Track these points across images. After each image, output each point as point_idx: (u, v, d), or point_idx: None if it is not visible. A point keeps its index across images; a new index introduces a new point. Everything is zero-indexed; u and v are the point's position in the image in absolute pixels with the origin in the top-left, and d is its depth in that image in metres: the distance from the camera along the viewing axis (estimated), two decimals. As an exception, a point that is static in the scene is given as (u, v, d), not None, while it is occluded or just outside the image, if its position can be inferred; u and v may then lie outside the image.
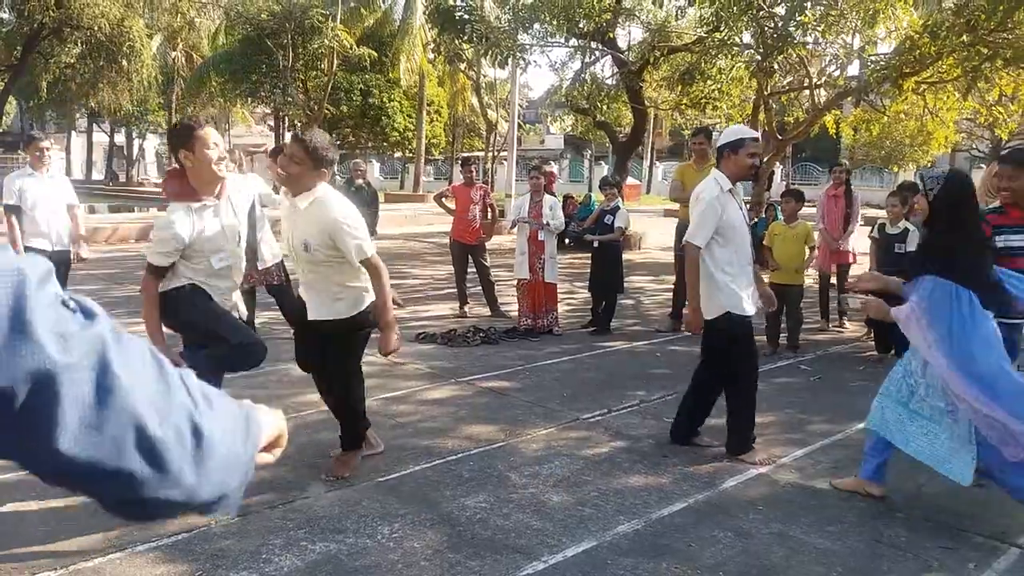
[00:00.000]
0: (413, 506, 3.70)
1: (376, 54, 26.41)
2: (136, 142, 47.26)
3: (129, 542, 3.27)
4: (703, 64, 13.11)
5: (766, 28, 11.06)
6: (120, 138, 45.32)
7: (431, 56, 27.22)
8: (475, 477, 4.07)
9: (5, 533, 3.34)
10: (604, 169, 31.48)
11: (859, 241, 8.24)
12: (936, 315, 3.35)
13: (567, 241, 14.01)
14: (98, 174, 44.31)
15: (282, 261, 6.66)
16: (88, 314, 0.78)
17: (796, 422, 5.12)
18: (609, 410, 5.27)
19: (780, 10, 11.14)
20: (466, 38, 13.37)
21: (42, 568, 3.06)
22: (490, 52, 12.85)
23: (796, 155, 37.48)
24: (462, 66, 27.95)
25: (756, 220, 9.13)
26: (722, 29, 11.27)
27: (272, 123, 30.66)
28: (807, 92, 12.71)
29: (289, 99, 26.36)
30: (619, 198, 8.06)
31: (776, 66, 11.67)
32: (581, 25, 12.80)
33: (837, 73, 12.53)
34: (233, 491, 0.89)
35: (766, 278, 5.62)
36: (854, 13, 10.38)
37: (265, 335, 6.99)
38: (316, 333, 3.89)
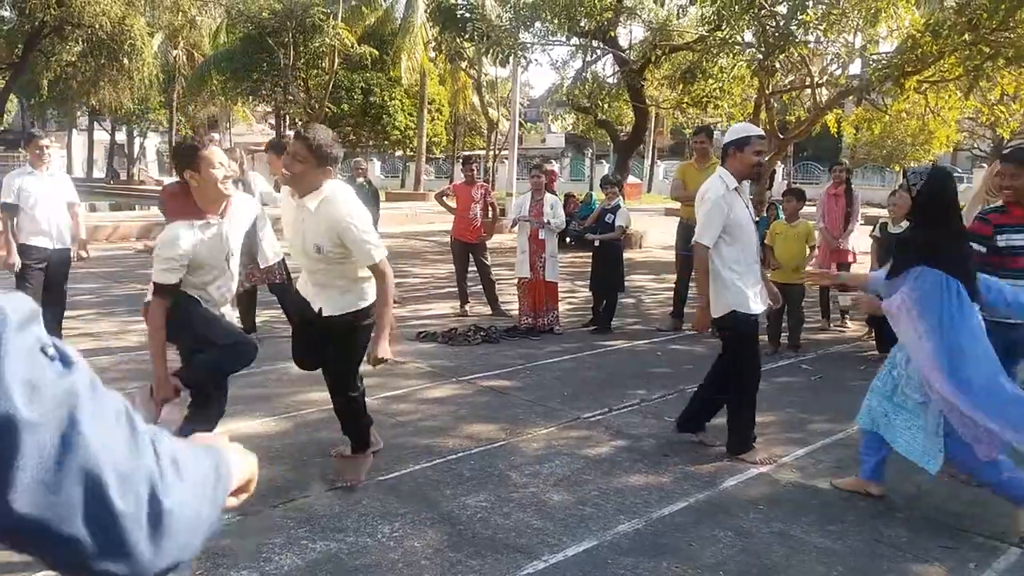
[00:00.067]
0: (413, 505, 3.70)
1: (377, 52, 26.40)
2: (137, 140, 47.29)
3: (129, 541, 3.27)
4: (704, 63, 13.09)
5: (768, 27, 11.04)
6: (121, 136, 45.34)
7: (432, 54, 27.18)
8: (476, 476, 4.07)
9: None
10: (605, 168, 31.49)
11: (859, 240, 8.23)
12: (927, 305, 3.38)
13: (568, 240, 13.99)
14: (99, 172, 44.33)
15: (283, 259, 6.67)
16: (67, 362, 0.74)
17: (797, 421, 5.11)
18: (610, 409, 5.27)
19: (782, 9, 11.12)
20: (467, 36, 13.34)
21: (41, 567, 3.05)
22: (491, 50, 12.82)
23: (797, 154, 37.45)
24: (463, 64, 27.94)
25: (758, 219, 9.12)
26: (724, 28, 11.24)
27: (273, 121, 30.66)
28: (809, 91, 12.68)
29: (290, 97, 26.36)
30: (620, 197, 8.05)
31: (778, 65, 11.64)
32: (582, 23, 12.78)
33: (839, 72, 12.51)
34: (193, 553, 0.85)
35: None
36: (856, 12, 10.36)
37: (266, 333, 7.01)
38: (317, 330, 3.85)
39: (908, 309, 3.43)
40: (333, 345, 3.83)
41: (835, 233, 7.94)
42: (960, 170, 38.78)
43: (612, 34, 14.24)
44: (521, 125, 30.50)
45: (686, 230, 7.82)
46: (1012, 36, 9.56)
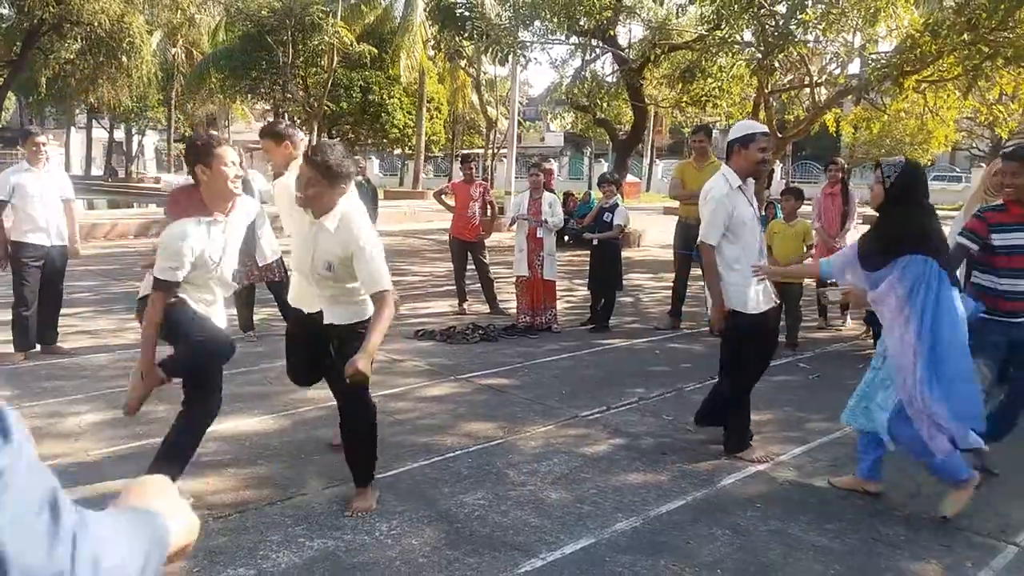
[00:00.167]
0: (411, 503, 3.70)
1: (376, 51, 26.39)
2: (135, 138, 47.28)
3: (127, 538, 3.26)
4: (704, 62, 13.08)
5: (767, 26, 11.05)
6: (119, 134, 45.33)
7: (431, 53, 27.18)
8: (473, 474, 4.07)
9: None
10: (604, 166, 31.48)
11: (856, 239, 8.22)
12: (915, 291, 3.44)
13: (566, 238, 14.01)
14: (97, 170, 44.30)
15: (281, 257, 6.66)
16: (6, 436, 0.69)
17: (795, 420, 5.12)
18: (608, 407, 5.27)
19: (781, 8, 11.13)
20: (466, 35, 13.34)
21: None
22: (490, 49, 12.82)
23: (796, 153, 37.49)
24: (462, 63, 27.93)
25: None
26: (723, 27, 11.24)
27: (272, 119, 30.61)
28: (807, 90, 12.69)
29: (289, 96, 26.35)
30: (618, 195, 8.05)
31: (777, 64, 11.65)
32: (581, 22, 12.77)
33: (838, 71, 12.52)
34: None
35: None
36: (855, 11, 10.36)
37: (264, 332, 7.01)
38: (316, 341, 3.70)
39: (896, 296, 3.48)
40: (338, 359, 3.56)
41: (832, 232, 7.94)
42: (959, 169, 38.84)
43: (611, 33, 14.24)
44: (520, 124, 30.49)
45: (684, 229, 7.83)
46: (1011, 36, 9.56)
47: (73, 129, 45.31)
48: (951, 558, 3.32)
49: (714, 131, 12.14)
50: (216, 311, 3.72)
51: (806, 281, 7.47)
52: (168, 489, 1.00)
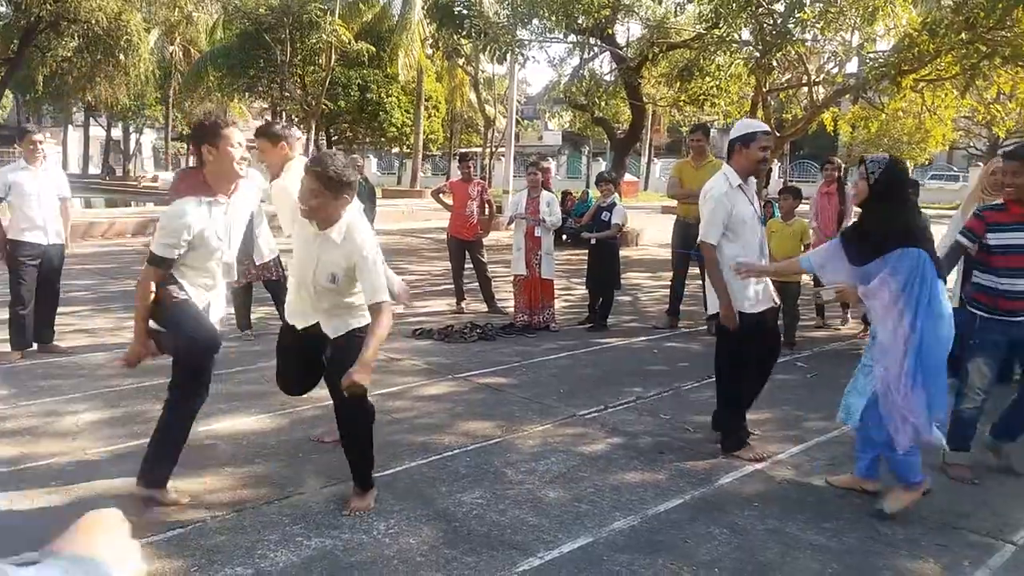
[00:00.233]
0: (409, 502, 3.70)
1: (374, 49, 26.37)
2: (133, 137, 47.18)
3: (124, 537, 3.26)
4: (702, 61, 13.09)
5: (765, 25, 11.05)
6: (117, 133, 45.25)
7: (429, 51, 27.21)
8: (471, 473, 4.07)
9: (-1, 528, 3.33)
10: (602, 165, 31.48)
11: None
12: (910, 283, 3.47)
13: (564, 237, 14.00)
14: (95, 168, 44.22)
15: (278, 256, 6.66)
16: None
17: (792, 419, 5.12)
18: (606, 406, 5.27)
19: (779, 7, 11.13)
20: (464, 33, 13.36)
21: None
22: (488, 48, 12.83)
23: (794, 152, 37.49)
24: (460, 62, 27.97)
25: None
26: (721, 25, 11.25)
27: (269, 118, 30.60)
28: (805, 89, 12.70)
29: (287, 94, 26.33)
30: (615, 194, 8.04)
31: (775, 63, 11.67)
32: (580, 21, 12.78)
33: (836, 70, 12.52)
34: None
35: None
36: (853, 10, 10.37)
37: (261, 330, 7.00)
38: (310, 350, 3.67)
39: (890, 291, 3.51)
40: (336, 365, 3.52)
41: (828, 231, 7.93)
42: (956, 168, 38.87)
43: (609, 31, 14.24)
44: (518, 122, 30.49)
45: (682, 228, 7.83)
46: (1009, 35, 9.57)
47: (70, 127, 45.22)
48: (948, 557, 3.33)
49: (712, 130, 12.12)
50: (215, 296, 3.69)
51: (804, 279, 7.47)
52: (118, 528, 0.97)
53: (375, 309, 3.37)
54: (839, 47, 11.66)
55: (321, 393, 4.11)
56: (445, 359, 6.44)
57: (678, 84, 14.83)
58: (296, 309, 3.71)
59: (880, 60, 11.02)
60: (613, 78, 15.18)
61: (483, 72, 31.72)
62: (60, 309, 6.53)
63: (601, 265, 7.83)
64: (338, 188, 3.32)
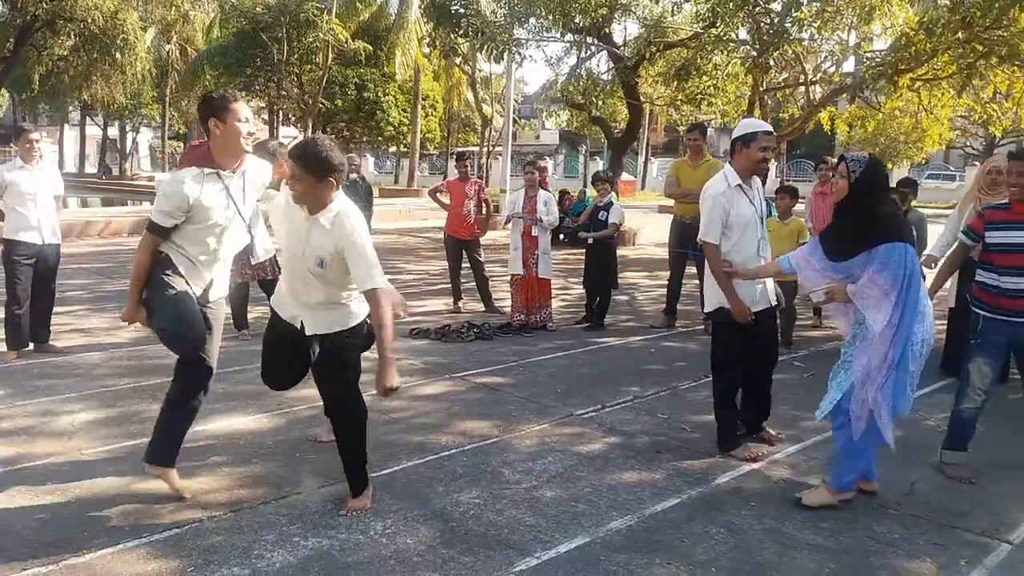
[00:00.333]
0: (406, 502, 3.70)
1: (371, 48, 26.35)
2: (129, 135, 47.09)
3: (120, 537, 3.26)
4: (699, 60, 13.10)
5: (762, 24, 11.06)
6: (113, 131, 45.15)
7: (426, 50, 27.21)
8: (468, 473, 4.07)
9: (-5, 528, 3.32)
10: (599, 164, 31.49)
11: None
12: (901, 277, 3.50)
13: (561, 237, 14.01)
14: (91, 167, 44.14)
15: (275, 256, 6.64)
16: None
17: (789, 418, 5.12)
18: (603, 406, 5.27)
19: (776, 6, 11.15)
20: (461, 32, 13.34)
21: (33, 564, 3.04)
22: (485, 47, 12.81)
23: (791, 151, 37.53)
24: (457, 60, 27.95)
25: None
26: (718, 25, 11.26)
27: (267, 117, 30.57)
28: (802, 88, 12.71)
29: (284, 93, 26.30)
30: (612, 193, 8.04)
31: (772, 62, 11.68)
32: (577, 20, 12.78)
33: (832, 69, 12.53)
34: None
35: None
36: (850, 9, 10.39)
37: (258, 330, 6.97)
38: (296, 349, 3.60)
39: (878, 286, 3.53)
40: (324, 368, 3.58)
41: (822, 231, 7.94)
42: (953, 168, 38.94)
43: (606, 30, 14.23)
44: (515, 121, 30.50)
45: (679, 227, 7.83)
46: (1005, 34, 9.59)
47: (67, 126, 45.15)
48: (945, 556, 3.33)
49: (709, 129, 12.13)
50: (218, 272, 3.65)
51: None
52: None
53: (371, 297, 3.33)
54: (836, 46, 11.68)
55: (318, 392, 4.10)
56: (442, 359, 6.44)
57: (675, 83, 14.82)
58: (283, 298, 3.65)
59: (877, 59, 11.05)
60: (610, 77, 15.17)
61: (480, 71, 31.69)
62: (56, 309, 6.51)
63: (598, 264, 7.82)
64: (321, 171, 3.28)
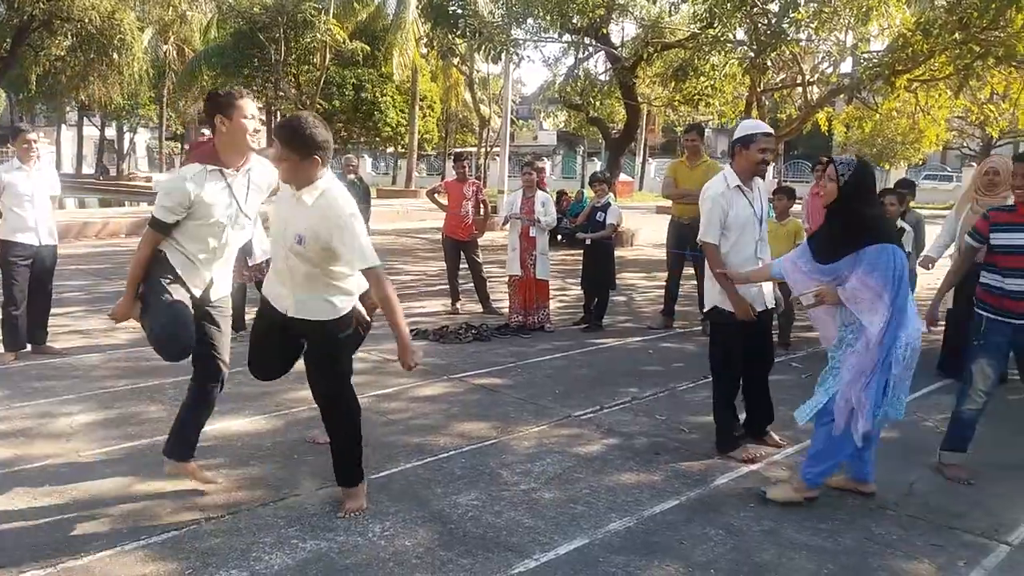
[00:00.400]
0: (404, 504, 3.69)
1: (369, 48, 26.36)
2: (127, 136, 47.00)
3: (118, 540, 3.25)
4: (696, 60, 13.10)
5: (759, 24, 11.07)
6: (111, 132, 45.06)
7: (424, 51, 27.19)
8: (467, 475, 4.07)
9: (-7, 531, 3.32)
10: (597, 165, 31.51)
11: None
12: (892, 278, 3.53)
13: (559, 237, 14.01)
14: (88, 168, 44.06)
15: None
16: None
17: (787, 419, 5.09)
18: (601, 407, 5.27)
19: (774, 7, 11.15)
20: (459, 33, 13.31)
21: (31, 566, 3.03)
22: (483, 47, 12.79)
23: (788, 152, 37.55)
24: (455, 61, 27.87)
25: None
26: (716, 25, 11.26)
27: (264, 117, 30.50)
28: (800, 89, 12.72)
29: (281, 93, 26.29)
30: (610, 194, 8.04)
31: (769, 63, 11.68)
32: (574, 20, 12.76)
33: (830, 70, 12.55)
34: None
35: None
36: (847, 10, 10.40)
37: (256, 331, 6.97)
38: (285, 338, 3.58)
39: (869, 288, 3.55)
40: (315, 362, 3.56)
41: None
42: (950, 168, 39.00)
43: (604, 31, 14.23)
44: (513, 122, 30.48)
45: (677, 228, 7.83)
46: (1002, 35, 9.60)
47: (64, 127, 45.06)
48: (944, 557, 3.34)
49: (707, 130, 12.14)
50: (219, 271, 3.63)
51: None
52: None
53: (370, 276, 3.31)
54: (833, 47, 11.69)
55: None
56: (440, 360, 6.44)
57: (673, 84, 14.82)
58: (271, 283, 3.61)
59: (874, 60, 11.06)
60: (608, 78, 15.16)
61: (478, 72, 31.69)
62: (54, 310, 6.50)
63: (596, 265, 7.83)
64: (304, 148, 3.24)
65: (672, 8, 13.49)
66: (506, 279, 8.00)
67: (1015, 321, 4.03)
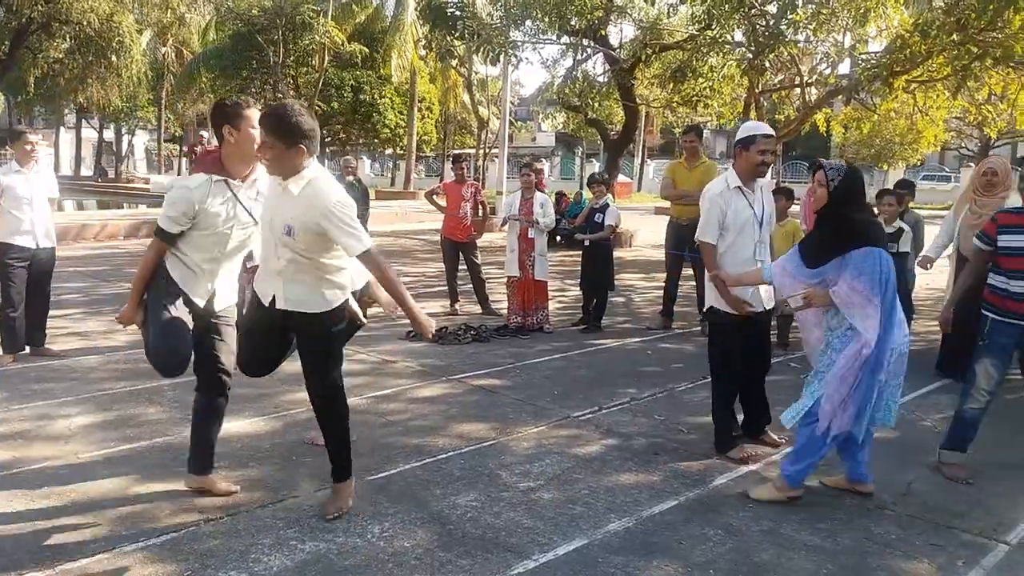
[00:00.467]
0: (403, 505, 3.69)
1: (367, 50, 26.35)
2: (125, 138, 47.03)
3: (117, 542, 3.25)
4: (695, 62, 13.10)
5: (758, 26, 11.07)
6: (109, 134, 45.09)
7: (422, 53, 27.18)
8: (465, 475, 4.07)
9: (-9, 533, 3.31)
10: (595, 166, 31.51)
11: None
12: (880, 281, 3.55)
13: (558, 239, 14.01)
14: (87, 170, 44.05)
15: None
16: None
17: (786, 420, 5.12)
18: (600, 408, 5.27)
19: (772, 8, 11.15)
20: (457, 35, 13.30)
21: (29, 569, 3.03)
22: (482, 49, 12.80)
23: (786, 153, 37.61)
24: (453, 63, 27.85)
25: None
26: (714, 27, 11.27)
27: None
28: (798, 90, 12.73)
29: (280, 95, 26.24)
30: (608, 195, 8.05)
31: (767, 64, 11.67)
32: (573, 22, 12.77)
33: (828, 71, 12.55)
34: None
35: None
36: (845, 11, 10.40)
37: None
38: (275, 331, 3.55)
39: (858, 291, 3.57)
40: (307, 356, 3.53)
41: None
42: (948, 169, 39.05)
43: (602, 33, 14.24)
44: (511, 124, 30.51)
45: (676, 229, 7.83)
46: (1000, 36, 9.61)
47: (62, 129, 45.08)
48: (943, 557, 3.34)
49: (705, 131, 12.16)
50: (221, 282, 3.62)
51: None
52: None
53: (365, 259, 3.30)
54: (831, 48, 11.69)
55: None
56: (439, 361, 6.44)
57: (671, 85, 14.84)
58: (260, 274, 3.59)
59: (872, 61, 11.07)
60: (606, 79, 15.16)
61: (476, 73, 31.73)
62: (52, 312, 6.50)
63: (595, 266, 7.83)
64: (289, 137, 3.20)
65: (670, 10, 13.52)
66: (505, 280, 8.00)
67: (1019, 322, 4.03)
